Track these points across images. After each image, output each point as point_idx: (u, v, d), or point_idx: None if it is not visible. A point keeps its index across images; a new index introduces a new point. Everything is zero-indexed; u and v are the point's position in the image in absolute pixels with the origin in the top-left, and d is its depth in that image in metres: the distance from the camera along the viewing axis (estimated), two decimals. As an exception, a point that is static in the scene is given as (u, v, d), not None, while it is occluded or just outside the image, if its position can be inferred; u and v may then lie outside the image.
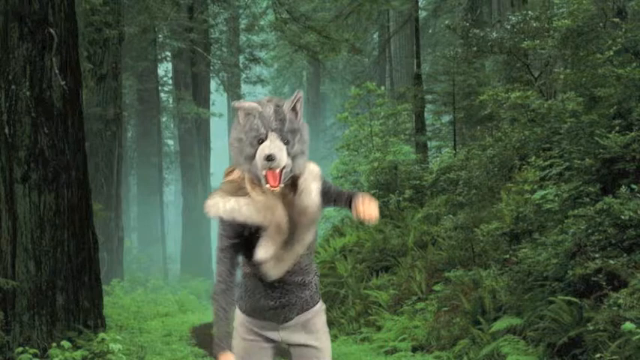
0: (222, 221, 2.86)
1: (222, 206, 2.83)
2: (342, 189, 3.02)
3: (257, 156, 2.70)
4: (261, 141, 2.71)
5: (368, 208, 2.83)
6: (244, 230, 2.82)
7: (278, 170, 2.70)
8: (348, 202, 2.91)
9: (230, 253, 2.86)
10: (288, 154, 2.73)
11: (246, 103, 2.79)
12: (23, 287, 7.35)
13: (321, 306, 3.07)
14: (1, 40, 7.55)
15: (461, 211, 10.21)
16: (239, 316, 3.02)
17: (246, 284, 2.95)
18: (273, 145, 2.69)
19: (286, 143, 2.74)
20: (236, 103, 2.80)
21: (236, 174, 2.89)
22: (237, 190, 2.84)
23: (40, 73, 7.51)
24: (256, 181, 2.77)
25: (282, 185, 2.73)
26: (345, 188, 2.98)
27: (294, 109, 2.82)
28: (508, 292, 7.54)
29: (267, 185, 2.71)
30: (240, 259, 2.90)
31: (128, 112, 24.59)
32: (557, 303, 6.42)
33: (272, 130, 2.72)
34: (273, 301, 2.91)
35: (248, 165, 2.75)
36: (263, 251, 2.78)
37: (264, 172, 2.70)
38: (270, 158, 2.66)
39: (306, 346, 3.03)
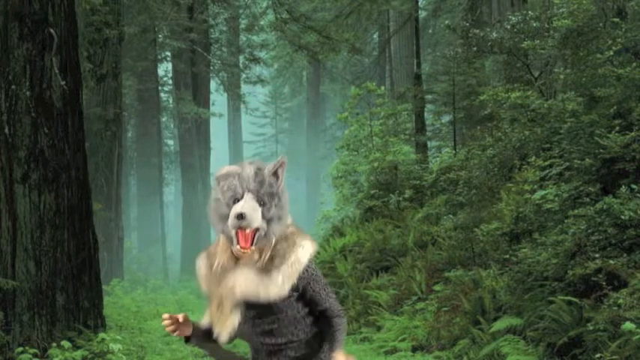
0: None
1: (202, 270, 2.84)
2: (324, 306, 2.84)
3: (230, 215, 2.64)
4: (236, 201, 2.66)
5: None
6: None
7: (249, 231, 2.63)
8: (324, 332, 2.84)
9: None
10: (263, 216, 2.65)
11: (225, 169, 2.76)
12: (23, 287, 7.35)
13: None
14: (1, 40, 7.55)
15: (461, 211, 10.22)
16: None
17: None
18: (247, 205, 2.62)
19: (262, 205, 2.67)
20: (215, 173, 2.79)
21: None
22: (214, 253, 2.83)
23: (40, 73, 7.51)
24: (229, 243, 2.72)
25: (253, 248, 2.66)
26: (330, 300, 2.85)
27: (275, 173, 2.75)
28: (508, 292, 7.54)
29: (238, 246, 2.65)
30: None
31: (128, 112, 24.59)
32: (557, 303, 6.42)
33: (249, 191, 2.67)
34: (257, 355, 2.88)
35: (222, 225, 2.70)
36: (206, 317, 2.81)
37: (234, 231, 2.63)
38: (240, 217, 2.59)
39: None
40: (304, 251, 2.76)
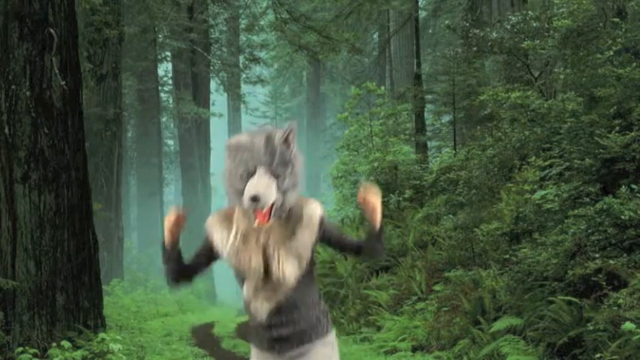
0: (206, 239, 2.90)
1: (216, 233, 2.83)
2: (347, 237, 2.96)
3: (244, 195, 2.64)
4: (250, 175, 2.66)
5: (368, 193, 2.85)
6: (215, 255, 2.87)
7: (267, 208, 2.66)
8: (358, 250, 2.94)
9: (198, 258, 2.92)
10: (278, 188, 2.67)
11: (235, 140, 2.75)
12: (23, 287, 7.35)
13: (326, 339, 2.91)
14: (1, 40, 7.55)
15: (461, 211, 10.22)
16: (252, 351, 3.00)
17: (250, 315, 2.90)
18: (260, 183, 2.62)
19: (276, 177, 2.67)
20: (226, 142, 2.77)
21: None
22: (230, 219, 2.82)
23: (40, 73, 7.51)
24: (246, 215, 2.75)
25: (271, 221, 2.70)
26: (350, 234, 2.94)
27: (286, 140, 2.73)
28: (508, 292, 7.54)
29: (256, 222, 2.69)
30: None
31: (128, 112, 24.58)
32: (557, 303, 6.42)
33: (261, 165, 2.67)
34: (269, 333, 2.84)
35: (237, 199, 2.71)
36: (245, 291, 2.80)
37: (251, 210, 2.67)
38: (255, 199, 2.60)
39: None
40: (315, 204, 2.84)
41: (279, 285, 2.75)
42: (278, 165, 2.68)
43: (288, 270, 2.74)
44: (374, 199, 2.88)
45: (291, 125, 2.76)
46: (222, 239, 2.80)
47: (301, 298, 2.83)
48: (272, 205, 2.67)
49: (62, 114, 7.64)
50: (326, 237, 2.86)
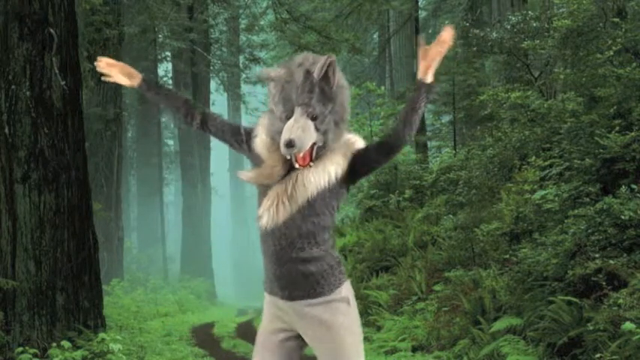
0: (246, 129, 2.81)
1: (259, 133, 2.72)
2: (369, 148, 2.73)
3: (281, 139, 2.50)
4: (288, 116, 2.53)
5: (441, 41, 2.63)
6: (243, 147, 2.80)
7: (306, 151, 2.53)
8: (380, 147, 2.72)
9: (220, 123, 2.91)
10: (317, 129, 2.53)
11: (273, 72, 2.60)
12: (23, 287, 7.35)
13: (337, 297, 2.70)
14: (1, 40, 7.55)
15: (461, 211, 10.22)
16: (265, 298, 2.84)
17: (262, 250, 2.76)
18: (296, 127, 2.48)
19: (314, 119, 2.53)
20: (263, 73, 2.62)
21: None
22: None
23: (40, 73, 7.51)
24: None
25: (312, 163, 2.57)
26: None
27: (325, 75, 2.54)
28: (508, 292, 7.54)
29: (296, 164, 2.57)
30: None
31: (128, 112, 24.58)
32: (557, 303, 6.41)
33: (298, 105, 2.52)
34: (276, 265, 2.67)
35: (279, 138, 2.56)
36: (262, 201, 2.69)
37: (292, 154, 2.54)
38: (290, 144, 2.47)
39: (319, 341, 2.69)
40: (349, 137, 2.70)
41: (298, 191, 2.57)
42: (317, 103, 2.53)
43: (310, 178, 2.58)
44: (440, 49, 2.63)
45: (328, 58, 2.57)
46: (261, 143, 2.68)
47: (313, 243, 2.65)
48: (313, 146, 2.54)
49: (62, 114, 7.64)
50: (356, 167, 2.68)
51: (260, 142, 2.71)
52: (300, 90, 2.52)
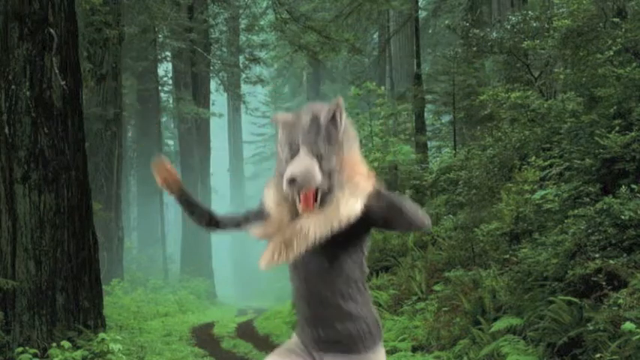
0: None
1: (268, 186, 2.65)
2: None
3: (284, 176, 2.40)
4: (293, 157, 2.44)
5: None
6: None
7: (311, 192, 2.41)
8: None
9: (234, 219, 2.85)
10: (322, 169, 2.42)
11: (282, 116, 2.56)
12: (23, 287, 7.35)
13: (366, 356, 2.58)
14: (1, 40, 7.56)
15: (461, 211, 10.22)
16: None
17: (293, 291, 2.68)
18: (299, 165, 2.39)
19: (319, 158, 2.43)
20: (274, 117, 2.59)
21: None
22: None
23: (40, 73, 7.52)
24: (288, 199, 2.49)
25: (317, 207, 2.43)
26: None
27: (333, 118, 2.48)
28: (508, 292, 7.54)
29: (300, 207, 2.44)
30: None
31: (128, 112, 24.57)
32: (557, 303, 6.41)
33: (303, 144, 2.44)
34: (306, 306, 2.61)
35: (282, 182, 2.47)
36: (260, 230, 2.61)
37: (295, 194, 2.43)
38: (292, 182, 2.36)
39: None
40: (368, 182, 2.58)
41: (297, 236, 2.43)
42: (322, 145, 2.44)
43: (313, 225, 2.42)
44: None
45: (336, 101, 2.51)
46: (276, 203, 2.58)
47: (332, 295, 2.58)
48: (317, 190, 2.42)
49: (62, 114, 7.65)
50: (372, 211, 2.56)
51: (268, 195, 2.63)
52: (307, 131, 2.47)
